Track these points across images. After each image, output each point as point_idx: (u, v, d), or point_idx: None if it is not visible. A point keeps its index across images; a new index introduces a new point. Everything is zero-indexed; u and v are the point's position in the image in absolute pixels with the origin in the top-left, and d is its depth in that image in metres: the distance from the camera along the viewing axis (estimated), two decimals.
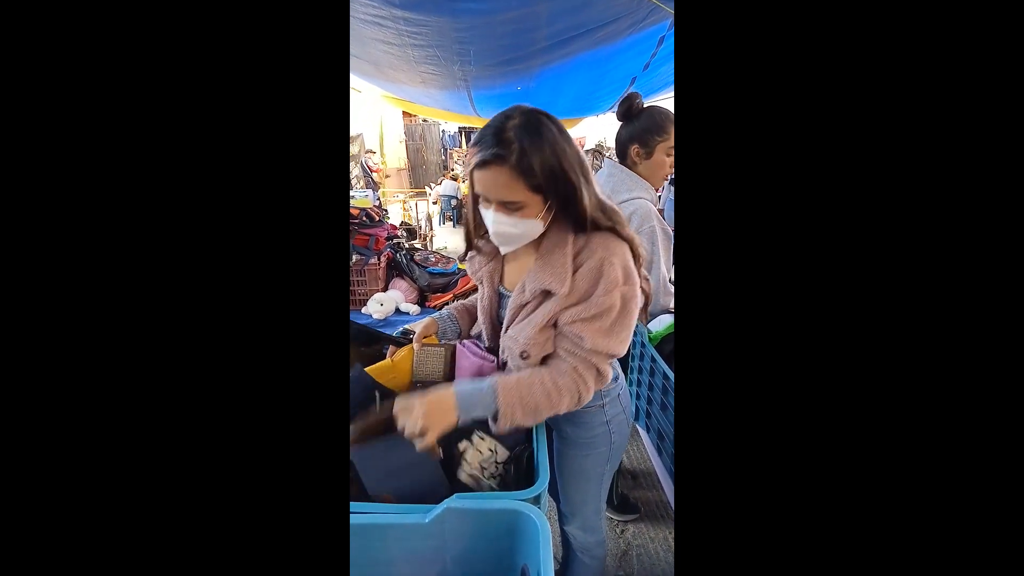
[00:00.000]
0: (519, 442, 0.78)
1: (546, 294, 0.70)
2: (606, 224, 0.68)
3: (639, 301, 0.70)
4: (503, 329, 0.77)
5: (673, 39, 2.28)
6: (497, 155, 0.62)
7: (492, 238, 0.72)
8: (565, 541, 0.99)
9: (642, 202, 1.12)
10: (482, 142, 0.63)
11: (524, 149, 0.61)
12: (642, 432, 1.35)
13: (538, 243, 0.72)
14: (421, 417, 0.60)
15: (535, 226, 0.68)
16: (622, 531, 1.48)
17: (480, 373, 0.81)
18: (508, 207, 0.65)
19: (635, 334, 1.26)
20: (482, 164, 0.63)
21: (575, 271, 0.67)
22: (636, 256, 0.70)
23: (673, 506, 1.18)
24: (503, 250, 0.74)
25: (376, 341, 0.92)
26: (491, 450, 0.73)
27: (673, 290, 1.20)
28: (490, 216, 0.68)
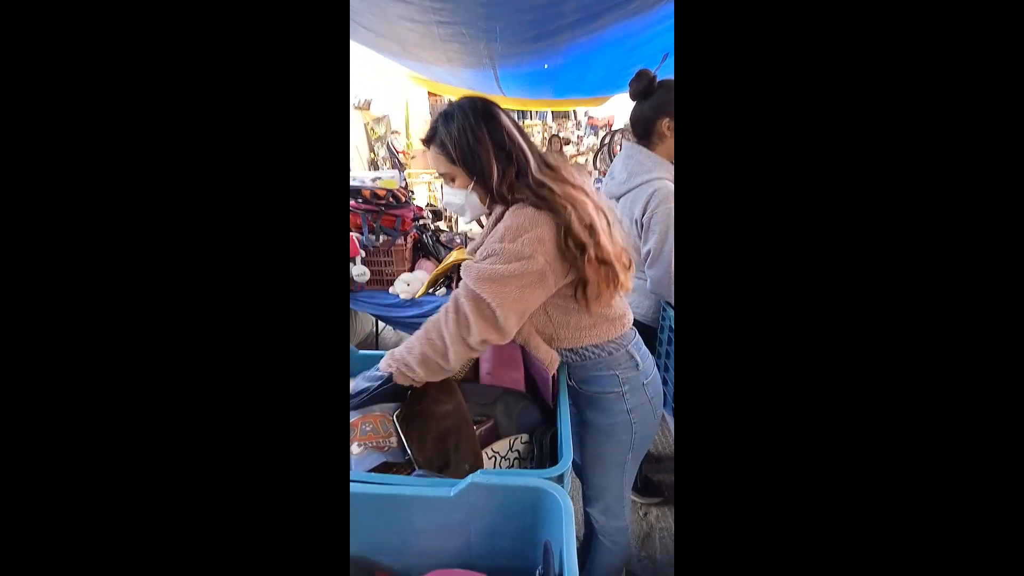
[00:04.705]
0: (539, 423, 0.79)
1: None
2: (519, 196, 0.74)
3: (527, 265, 0.69)
4: None
5: None
6: (428, 138, 0.80)
7: (453, 213, 0.90)
8: (588, 523, 1.00)
9: (663, 183, 1.08)
10: None
11: (440, 132, 0.77)
12: (669, 418, 1.34)
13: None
14: None
15: (469, 196, 0.79)
16: (645, 514, 1.49)
17: (543, 379, 0.81)
18: (445, 178, 0.80)
19: (663, 318, 1.23)
20: (424, 145, 0.83)
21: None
22: (565, 229, 0.70)
23: None
24: (463, 222, 0.90)
25: None
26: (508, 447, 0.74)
27: None
28: (443, 193, 0.83)
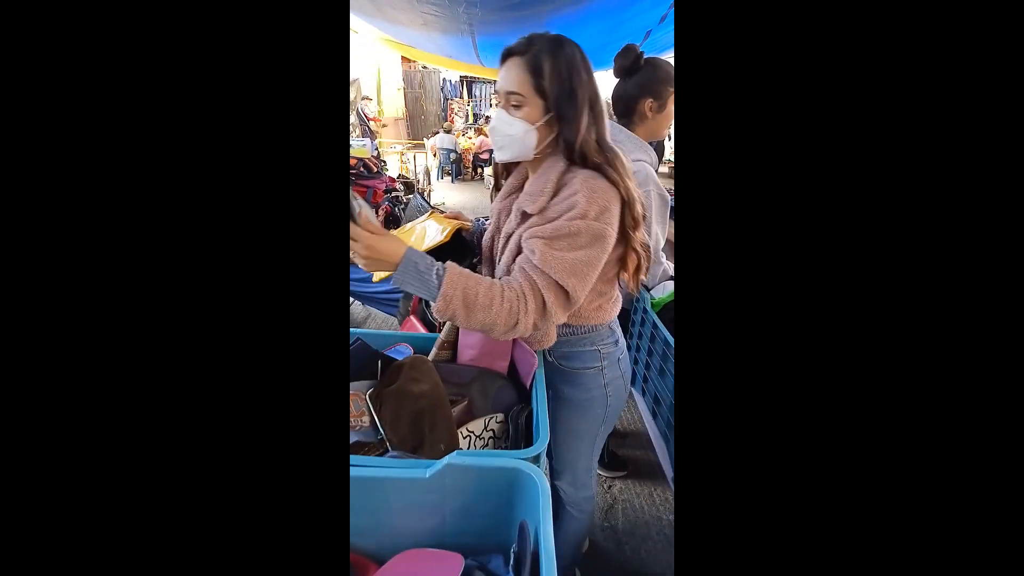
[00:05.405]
0: (514, 403, 0.79)
1: (524, 217, 0.72)
2: (596, 159, 0.69)
3: (605, 246, 0.68)
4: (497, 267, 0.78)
5: None
6: (516, 50, 0.70)
7: (491, 141, 0.76)
8: (555, 495, 1.02)
9: (642, 165, 1.07)
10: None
11: (541, 51, 0.68)
12: (637, 396, 1.37)
13: (534, 172, 0.76)
14: (364, 251, 0.65)
15: (529, 132, 0.71)
16: (610, 486, 1.55)
17: (527, 364, 0.80)
18: (511, 100, 0.71)
19: (638, 299, 1.25)
20: (504, 58, 0.72)
21: (552, 197, 0.70)
22: (627, 205, 0.70)
23: (663, 466, 1.22)
24: (498, 156, 0.77)
25: None
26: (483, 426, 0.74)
27: (664, 258, 1.17)
28: (494, 114, 0.74)
